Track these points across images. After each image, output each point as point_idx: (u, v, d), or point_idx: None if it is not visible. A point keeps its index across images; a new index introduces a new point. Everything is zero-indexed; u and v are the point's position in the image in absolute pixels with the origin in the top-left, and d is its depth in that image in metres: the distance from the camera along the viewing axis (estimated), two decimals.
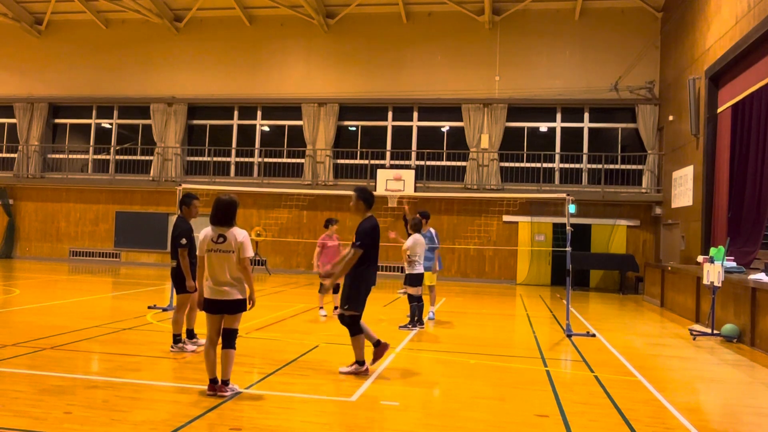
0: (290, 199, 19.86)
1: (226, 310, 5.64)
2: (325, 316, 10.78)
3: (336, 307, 10.97)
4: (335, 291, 10.98)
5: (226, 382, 5.62)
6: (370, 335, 6.66)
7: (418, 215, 10.80)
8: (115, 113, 23.47)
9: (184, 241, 7.39)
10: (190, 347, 7.53)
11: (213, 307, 5.65)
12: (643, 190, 19.52)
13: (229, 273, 5.58)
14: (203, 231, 5.73)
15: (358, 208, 6.66)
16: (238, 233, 5.64)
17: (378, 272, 6.88)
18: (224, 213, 5.65)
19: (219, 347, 5.69)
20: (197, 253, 5.78)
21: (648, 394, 6.31)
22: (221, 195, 5.76)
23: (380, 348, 6.73)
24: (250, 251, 5.64)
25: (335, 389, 6.01)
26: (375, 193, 7.52)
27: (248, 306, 5.72)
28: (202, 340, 7.52)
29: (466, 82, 20.62)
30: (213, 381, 5.61)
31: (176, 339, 7.51)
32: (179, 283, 7.49)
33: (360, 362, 6.59)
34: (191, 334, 7.78)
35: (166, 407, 5.23)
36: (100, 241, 22.71)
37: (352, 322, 6.57)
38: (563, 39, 20.42)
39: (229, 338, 5.68)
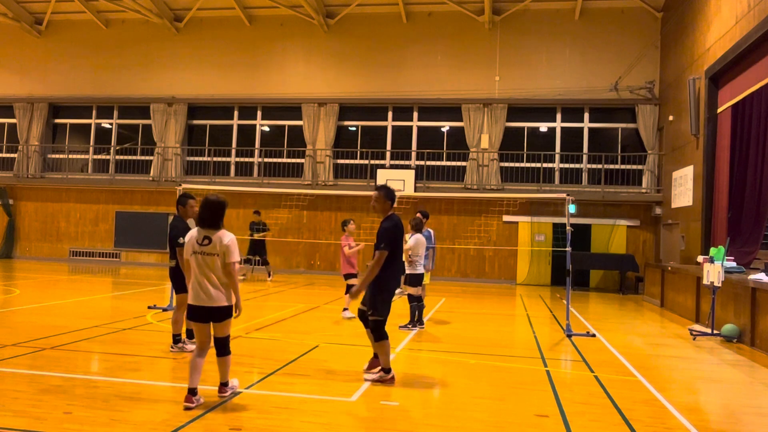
0: (290, 199, 19.86)
1: (211, 317, 5.35)
2: (352, 317, 10.63)
3: (345, 309, 10.95)
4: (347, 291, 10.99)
5: (225, 384, 5.52)
6: (387, 358, 6.39)
7: (419, 214, 10.77)
8: (115, 113, 23.47)
9: (182, 240, 7.38)
10: (190, 347, 7.52)
11: (198, 314, 5.34)
12: (643, 190, 19.52)
13: (214, 277, 5.30)
14: (189, 233, 5.48)
15: (384, 208, 6.43)
16: (225, 236, 5.33)
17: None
18: (211, 214, 5.37)
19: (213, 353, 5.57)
20: (183, 255, 5.52)
21: (648, 394, 6.31)
22: (209, 195, 5.49)
23: (389, 377, 6.34)
24: (235, 256, 5.33)
25: (335, 389, 6.00)
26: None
27: (234, 314, 5.43)
28: (190, 346, 7.52)
29: (466, 82, 20.62)
30: (192, 391, 5.24)
31: (176, 339, 7.51)
32: (178, 283, 7.49)
33: (386, 370, 6.34)
34: (191, 334, 7.76)
35: (166, 407, 5.23)
36: (100, 241, 22.71)
37: (376, 327, 6.32)
38: (563, 39, 20.42)
39: (221, 346, 5.45)
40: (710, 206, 14.69)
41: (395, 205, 6.56)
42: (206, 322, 5.38)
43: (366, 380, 6.33)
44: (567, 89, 20.06)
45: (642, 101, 19.56)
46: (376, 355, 6.55)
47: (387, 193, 6.44)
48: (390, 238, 6.22)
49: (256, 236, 17.42)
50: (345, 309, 10.93)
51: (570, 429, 5.03)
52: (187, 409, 5.15)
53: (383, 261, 6.18)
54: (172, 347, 7.50)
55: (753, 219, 12.58)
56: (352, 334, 9.19)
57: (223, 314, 5.36)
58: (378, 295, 6.30)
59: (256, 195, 20.52)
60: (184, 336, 7.69)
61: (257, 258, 17.75)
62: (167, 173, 22.10)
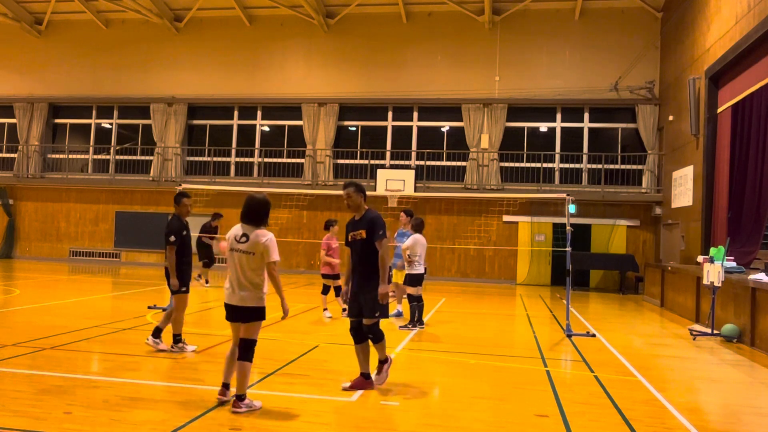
0: (290, 199, 19.85)
1: (239, 317, 5.27)
2: (330, 317, 10.70)
3: (344, 309, 10.94)
4: (337, 293, 10.99)
5: (240, 397, 5.16)
6: (366, 362, 6.09)
7: (402, 213, 10.79)
8: (115, 113, 23.48)
9: (173, 238, 7.33)
10: (189, 348, 7.52)
11: (230, 313, 5.33)
12: (643, 190, 19.52)
13: (245, 276, 5.22)
14: (233, 228, 5.45)
15: (358, 204, 6.09)
16: (263, 235, 5.24)
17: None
18: (252, 211, 5.31)
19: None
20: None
21: (648, 394, 6.31)
22: (255, 194, 5.45)
23: (368, 382, 6.06)
24: (275, 255, 5.23)
25: (335, 389, 6.00)
26: (375, 193, 7.39)
27: (281, 316, 5.39)
28: (190, 347, 7.50)
29: (466, 82, 20.62)
30: (225, 386, 5.36)
31: (176, 339, 7.51)
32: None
33: (384, 360, 6.19)
34: (176, 339, 7.55)
35: (166, 407, 5.23)
36: (100, 241, 22.71)
37: (376, 328, 6.06)
38: (563, 39, 20.43)
39: (244, 349, 5.24)
40: (710, 206, 14.69)
41: (374, 201, 6.41)
42: (235, 321, 5.33)
43: (379, 386, 6.05)
44: (567, 89, 20.07)
45: (642, 101, 19.56)
46: (362, 374, 6.09)
47: (358, 187, 6.13)
48: (383, 225, 5.99)
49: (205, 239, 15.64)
50: (325, 309, 10.96)
51: (570, 429, 5.03)
52: (220, 403, 5.27)
53: (387, 251, 5.95)
54: (172, 347, 7.49)
55: (753, 219, 12.58)
56: None
57: (249, 315, 5.25)
58: (374, 293, 5.98)
59: None
60: (183, 335, 7.67)
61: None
62: (167, 173, 22.10)
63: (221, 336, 8.61)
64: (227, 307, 5.33)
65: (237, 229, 5.40)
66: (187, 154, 22.70)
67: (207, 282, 15.48)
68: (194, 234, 9.24)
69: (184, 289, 7.48)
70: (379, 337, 6.12)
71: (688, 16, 16.71)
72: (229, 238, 5.39)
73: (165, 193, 21.55)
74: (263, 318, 5.33)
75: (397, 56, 21.28)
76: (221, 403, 5.29)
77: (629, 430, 5.07)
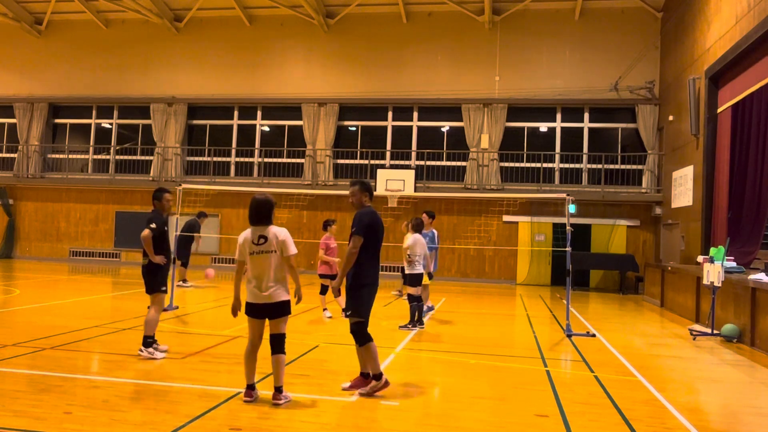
0: (290, 199, 19.85)
1: (269, 314, 5.50)
2: (330, 317, 10.70)
3: (344, 309, 10.93)
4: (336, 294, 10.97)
5: (279, 389, 5.45)
6: (375, 363, 5.85)
7: (424, 214, 10.77)
8: (115, 113, 23.48)
9: (154, 225, 7.10)
10: (160, 354, 7.12)
11: (256, 311, 5.51)
12: (643, 190, 19.52)
13: (273, 274, 5.45)
14: (242, 234, 5.59)
15: (361, 201, 6.04)
16: (279, 232, 5.52)
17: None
18: (258, 212, 5.54)
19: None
20: (237, 257, 5.52)
21: (648, 394, 6.31)
22: (257, 194, 5.68)
23: (368, 382, 5.86)
24: (293, 248, 5.51)
25: (335, 389, 6.00)
26: (375, 193, 7.32)
27: (295, 301, 5.57)
28: (161, 352, 7.17)
29: (466, 82, 20.62)
30: (250, 387, 5.49)
31: (147, 342, 7.12)
32: (152, 281, 7.21)
33: (376, 376, 5.81)
34: (147, 342, 7.17)
35: (166, 407, 5.23)
36: (100, 241, 22.71)
37: (357, 329, 5.86)
38: (563, 39, 20.43)
39: (277, 343, 5.53)
40: (710, 206, 14.69)
41: (373, 201, 6.21)
42: (263, 318, 5.54)
43: (360, 394, 5.77)
44: (567, 89, 20.07)
45: (642, 101, 19.56)
46: (362, 374, 5.96)
47: (363, 186, 6.10)
48: (364, 224, 5.82)
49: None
50: (324, 309, 10.94)
51: (570, 429, 5.03)
52: (246, 402, 5.38)
53: (358, 249, 5.77)
54: (141, 350, 7.10)
55: (753, 219, 12.58)
56: None
57: (281, 310, 5.51)
58: (354, 292, 5.87)
59: None
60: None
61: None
62: (167, 173, 22.10)
63: (220, 336, 8.62)
64: (254, 306, 5.50)
65: (248, 233, 5.56)
66: (187, 154, 22.70)
67: (185, 281, 15.21)
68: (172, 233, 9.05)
69: (163, 288, 7.29)
70: (361, 340, 5.85)
71: (688, 16, 16.71)
72: (244, 243, 5.54)
73: None
74: (290, 312, 5.57)
75: (397, 56, 21.28)
76: (248, 403, 5.39)
77: (629, 430, 5.07)
